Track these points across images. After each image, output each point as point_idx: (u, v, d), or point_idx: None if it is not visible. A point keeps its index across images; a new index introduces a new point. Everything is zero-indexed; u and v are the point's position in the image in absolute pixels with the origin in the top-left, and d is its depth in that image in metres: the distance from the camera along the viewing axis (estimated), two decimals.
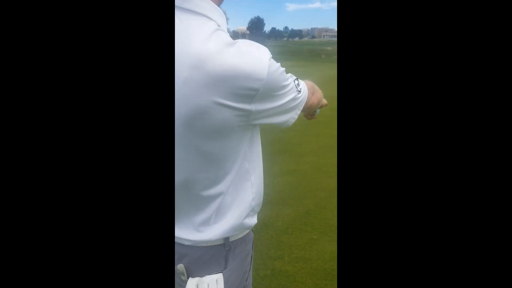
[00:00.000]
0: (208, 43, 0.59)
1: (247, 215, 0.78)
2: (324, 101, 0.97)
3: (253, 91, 0.61)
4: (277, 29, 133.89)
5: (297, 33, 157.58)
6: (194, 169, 0.69)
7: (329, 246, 2.32)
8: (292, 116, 0.76)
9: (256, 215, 0.82)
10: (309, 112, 0.98)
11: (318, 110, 1.03)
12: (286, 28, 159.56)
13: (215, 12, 0.66)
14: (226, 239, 0.77)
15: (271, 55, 0.65)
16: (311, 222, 2.64)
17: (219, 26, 0.65)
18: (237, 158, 0.72)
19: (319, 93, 0.89)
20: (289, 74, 0.73)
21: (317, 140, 4.99)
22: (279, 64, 0.67)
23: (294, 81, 0.74)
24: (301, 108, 0.77)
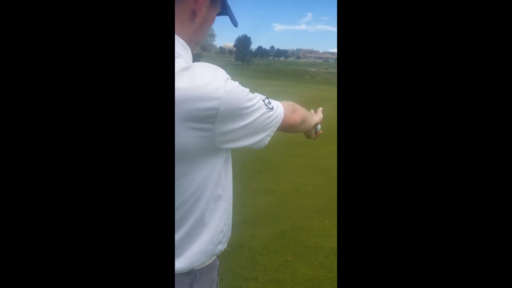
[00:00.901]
0: None
1: (218, 242, 0.78)
2: (316, 118, 0.99)
3: (213, 110, 0.63)
4: (263, 47, 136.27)
5: (283, 53, 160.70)
6: None
7: (303, 269, 2.32)
8: (265, 137, 0.75)
9: (227, 241, 0.83)
10: (308, 132, 1.01)
11: (319, 127, 1.05)
12: (272, 47, 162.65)
13: (176, 42, 0.70)
14: (192, 270, 0.76)
15: (228, 76, 0.68)
16: (286, 243, 2.64)
17: (178, 53, 0.68)
18: (209, 184, 0.73)
19: (302, 111, 0.89)
20: (256, 94, 0.74)
21: (298, 160, 5.03)
22: (237, 83, 0.69)
23: (263, 100, 0.74)
24: (276, 127, 0.76)
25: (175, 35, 0.70)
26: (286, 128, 0.81)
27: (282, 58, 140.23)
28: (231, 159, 0.80)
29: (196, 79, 0.63)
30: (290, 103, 0.85)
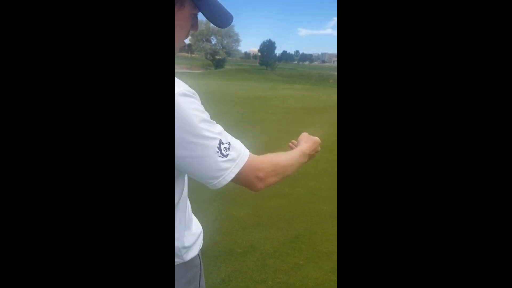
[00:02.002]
0: None
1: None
2: (300, 160, 0.87)
3: None
4: (288, 52, 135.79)
5: (308, 57, 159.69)
6: None
7: (314, 273, 2.30)
8: (216, 178, 0.68)
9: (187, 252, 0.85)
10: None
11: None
12: (297, 52, 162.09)
13: None
14: None
15: (187, 92, 0.64)
16: (299, 247, 2.63)
17: None
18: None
19: (274, 173, 0.77)
20: (218, 132, 0.68)
21: (315, 165, 4.98)
22: (197, 106, 0.65)
23: (221, 142, 0.67)
24: (231, 175, 0.69)
25: None
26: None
27: (306, 63, 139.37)
28: (183, 179, 0.79)
29: None
30: (263, 163, 0.75)
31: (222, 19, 0.76)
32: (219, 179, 0.68)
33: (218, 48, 45.39)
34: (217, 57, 44.20)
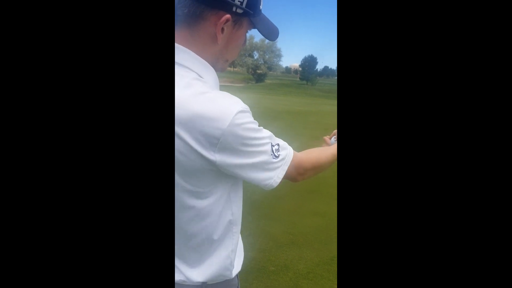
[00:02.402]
0: (184, 90, 0.65)
1: (226, 268, 0.79)
2: (330, 158, 0.92)
3: (215, 139, 0.64)
4: (329, 67, 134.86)
5: None
6: (178, 207, 0.71)
7: None
8: (271, 178, 0.74)
9: (238, 263, 0.84)
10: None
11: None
12: None
13: (196, 64, 0.72)
14: (204, 282, 0.77)
15: (244, 109, 0.67)
16: (334, 270, 2.52)
17: (200, 76, 0.71)
18: (216, 204, 0.74)
19: (311, 166, 0.87)
20: (267, 136, 0.73)
21: None
22: (251, 120, 0.69)
23: (272, 145, 0.73)
24: (282, 172, 0.75)
25: (197, 57, 0.72)
26: (290, 178, 0.82)
27: None
28: (241, 185, 0.80)
29: (209, 104, 0.65)
30: (303, 159, 0.84)
31: (273, 33, 0.82)
32: (274, 178, 0.74)
33: (260, 63, 46.15)
34: (258, 71, 44.94)
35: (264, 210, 3.40)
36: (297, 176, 0.83)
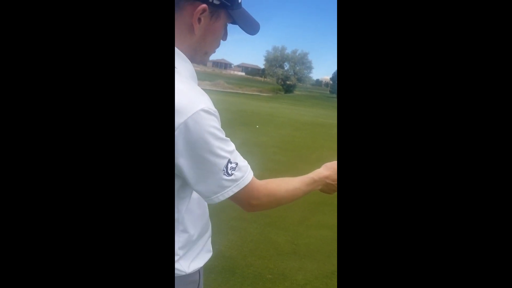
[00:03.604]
0: None
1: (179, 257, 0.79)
2: (296, 192, 0.82)
3: (176, 127, 0.64)
4: None
5: None
6: None
7: None
8: (215, 194, 0.70)
9: (195, 261, 0.83)
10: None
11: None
12: None
13: (177, 58, 0.73)
14: None
15: (209, 110, 0.67)
16: (333, 284, 2.45)
17: (176, 68, 0.72)
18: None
19: (269, 198, 0.78)
20: (229, 151, 0.69)
21: None
22: (215, 125, 0.67)
23: (229, 162, 0.69)
24: (230, 194, 0.70)
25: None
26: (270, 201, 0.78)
27: None
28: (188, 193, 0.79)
29: (179, 95, 0.65)
30: (259, 188, 0.76)
31: (252, 27, 0.81)
32: (217, 195, 0.71)
33: (290, 74, 46.20)
34: (288, 82, 44.94)
35: (270, 218, 3.38)
36: (248, 205, 0.76)
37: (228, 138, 0.71)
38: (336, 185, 0.89)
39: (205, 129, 0.66)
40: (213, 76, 36.01)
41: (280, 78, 45.32)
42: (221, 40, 0.82)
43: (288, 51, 47.16)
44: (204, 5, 0.71)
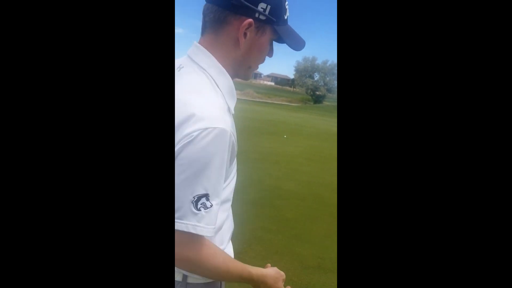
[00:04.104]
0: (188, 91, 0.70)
1: None
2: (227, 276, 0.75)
3: (179, 144, 0.63)
4: None
5: None
6: None
7: None
8: (179, 220, 0.63)
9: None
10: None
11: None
12: None
13: (212, 68, 0.74)
14: (184, 276, 0.77)
15: (232, 132, 0.66)
16: None
17: (214, 80, 0.73)
18: None
19: (206, 260, 0.69)
20: (213, 187, 0.65)
21: None
22: (221, 153, 0.65)
23: (206, 197, 0.64)
24: (182, 229, 0.64)
25: (215, 62, 0.75)
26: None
27: None
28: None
29: (197, 101, 0.65)
30: (204, 247, 0.69)
31: (298, 43, 0.81)
32: (181, 225, 0.64)
33: (320, 84, 45.94)
34: (318, 93, 44.71)
35: (296, 230, 3.32)
36: (185, 257, 0.67)
37: (224, 176, 0.68)
38: None
39: (211, 149, 0.64)
40: (242, 85, 36.44)
41: (310, 89, 45.16)
42: (267, 57, 0.83)
43: (319, 61, 47.07)
44: (250, 20, 0.72)
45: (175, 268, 0.75)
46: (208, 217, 0.65)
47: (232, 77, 0.78)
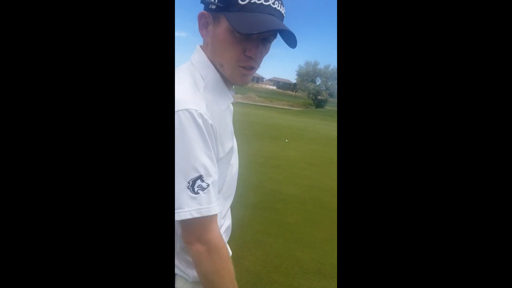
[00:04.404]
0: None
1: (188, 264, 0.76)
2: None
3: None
4: None
5: None
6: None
7: None
8: (179, 208, 0.63)
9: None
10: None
11: None
12: None
13: (200, 64, 0.76)
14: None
15: (201, 112, 0.65)
16: None
17: (202, 77, 0.74)
18: None
19: (218, 261, 0.67)
20: (204, 165, 0.64)
21: None
22: (198, 132, 0.64)
23: (201, 178, 0.63)
24: (186, 217, 0.63)
25: (203, 58, 0.75)
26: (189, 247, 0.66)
27: None
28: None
29: (177, 86, 0.66)
30: (219, 234, 0.67)
31: (250, 26, 0.67)
32: (177, 211, 0.63)
33: (322, 89, 45.96)
34: (319, 97, 44.71)
35: (297, 234, 3.31)
36: (194, 240, 0.65)
37: (214, 158, 0.66)
38: None
39: (188, 130, 0.63)
40: (244, 89, 36.46)
41: (312, 93, 45.17)
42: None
43: (321, 66, 47.09)
44: (203, 12, 0.72)
45: (191, 271, 0.76)
46: (207, 197, 0.65)
47: (230, 81, 0.76)
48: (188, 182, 0.63)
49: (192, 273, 0.76)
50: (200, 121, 0.65)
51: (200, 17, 0.72)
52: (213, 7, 0.70)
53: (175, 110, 0.63)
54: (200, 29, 0.74)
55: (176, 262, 0.76)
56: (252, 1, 0.67)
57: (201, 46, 0.78)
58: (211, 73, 0.75)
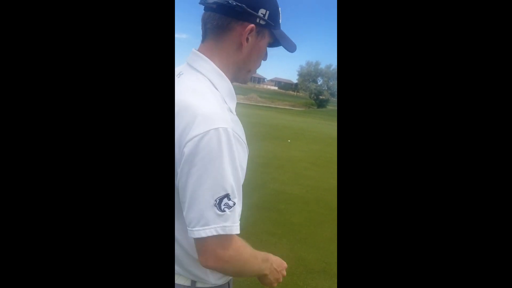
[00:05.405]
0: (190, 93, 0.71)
1: (205, 271, 0.77)
2: (258, 268, 0.80)
3: (189, 142, 0.64)
4: None
5: None
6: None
7: None
8: (195, 227, 0.64)
9: (219, 277, 0.81)
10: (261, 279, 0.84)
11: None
12: None
13: (211, 72, 0.76)
14: (193, 282, 0.77)
15: (232, 132, 0.66)
16: None
17: (213, 84, 0.75)
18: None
19: (239, 253, 0.70)
20: (230, 185, 0.65)
21: None
22: (229, 153, 0.65)
23: (228, 197, 0.64)
24: (213, 232, 0.64)
25: (214, 67, 0.76)
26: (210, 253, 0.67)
27: None
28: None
29: (200, 102, 0.67)
30: (236, 242, 0.70)
31: (292, 46, 0.86)
32: (197, 228, 0.64)
33: (323, 88, 45.91)
34: (321, 97, 44.66)
35: (302, 234, 3.31)
36: (212, 256, 0.67)
37: (240, 176, 0.68)
38: (280, 278, 0.86)
39: (220, 149, 0.64)
40: (246, 90, 36.55)
41: (313, 93, 45.12)
42: (263, 61, 0.86)
43: (322, 66, 47.05)
44: (252, 25, 0.76)
45: (183, 274, 0.76)
46: (233, 215, 0.66)
47: (231, 81, 0.80)
48: (215, 200, 0.64)
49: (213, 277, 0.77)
50: (232, 139, 0.67)
51: (250, 29, 0.76)
52: (263, 23, 0.77)
53: (207, 127, 0.64)
54: (244, 38, 0.76)
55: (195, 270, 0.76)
56: (281, 20, 0.80)
57: (200, 51, 0.78)
58: (226, 83, 0.78)
